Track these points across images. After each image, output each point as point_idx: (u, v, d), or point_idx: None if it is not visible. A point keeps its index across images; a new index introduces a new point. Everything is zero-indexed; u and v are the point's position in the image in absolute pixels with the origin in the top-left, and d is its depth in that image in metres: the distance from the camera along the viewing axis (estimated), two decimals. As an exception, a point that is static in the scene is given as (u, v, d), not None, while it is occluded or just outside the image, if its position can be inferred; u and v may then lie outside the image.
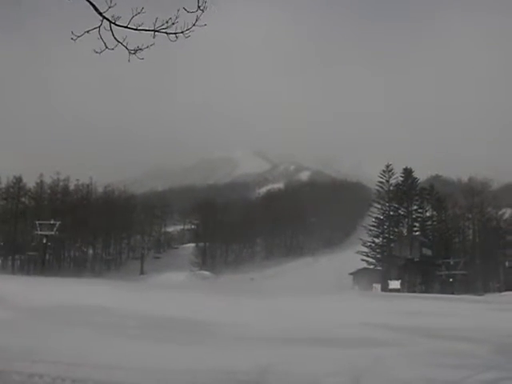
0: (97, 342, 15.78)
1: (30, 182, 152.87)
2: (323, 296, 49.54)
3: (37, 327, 18.74)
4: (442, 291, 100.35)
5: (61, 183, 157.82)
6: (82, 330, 18.29)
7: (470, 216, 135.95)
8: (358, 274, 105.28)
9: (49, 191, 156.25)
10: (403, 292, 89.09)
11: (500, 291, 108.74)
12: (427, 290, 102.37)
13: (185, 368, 12.37)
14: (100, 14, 7.47)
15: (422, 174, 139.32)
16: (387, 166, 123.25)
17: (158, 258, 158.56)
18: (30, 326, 18.90)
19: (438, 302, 45.81)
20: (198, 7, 7.42)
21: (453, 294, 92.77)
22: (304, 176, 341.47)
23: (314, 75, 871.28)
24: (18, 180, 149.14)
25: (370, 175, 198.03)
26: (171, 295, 39.62)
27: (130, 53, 7.73)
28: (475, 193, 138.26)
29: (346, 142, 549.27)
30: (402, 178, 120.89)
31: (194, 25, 7.52)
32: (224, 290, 58.23)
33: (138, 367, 12.16)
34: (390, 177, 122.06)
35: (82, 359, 12.61)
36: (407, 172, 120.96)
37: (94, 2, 7.51)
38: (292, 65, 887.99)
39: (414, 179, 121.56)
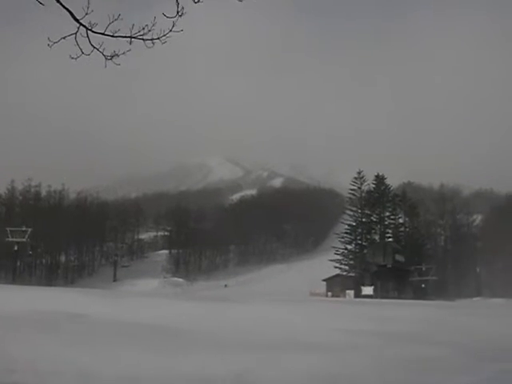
0: (72, 350, 15.70)
1: (1, 188, 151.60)
2: (296, 302, 49.62)
3: (10, 335, 18.56)
4: (415, 297, 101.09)
5: (32, 189, 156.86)
6: (57, 338, 18.17)
7: (441, 222, 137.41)
8: (331, 281, 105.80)
9: (20, 197, 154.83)
10: (376, 298, 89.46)
11: (471, 297, 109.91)
12: (400, 295, 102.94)
13: (160, 375, 12.38)
14: (77, 20, 7.54)
15: (394, 181, 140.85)
16: (359, 173, 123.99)
17: (126, 266, 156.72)
18: (5, 335, 18.72)
19: (410, 308, 46.08)
20: (177, 12, 7.50)
21: (425, 299, 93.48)
22: (277, 182, 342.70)
23: (286, 82, 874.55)
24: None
25: (343, 182, 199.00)
26: (144, 302, 39.41)
27: (106, 59, 7.82)
28: (446, 199, 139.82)
29: (318, 148, 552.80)
30: (373, 185, 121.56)
31: (170, 30, 7.63)
32: (197, 296, 58.11)
33: (113, 375, 12.13)
34: (361, 183, 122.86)
35: (57, 367, 12.54)
36: (379, 179, 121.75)
37: (71, 9, 7.56)
38: (264, 72, 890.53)
39: (386, 186, 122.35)
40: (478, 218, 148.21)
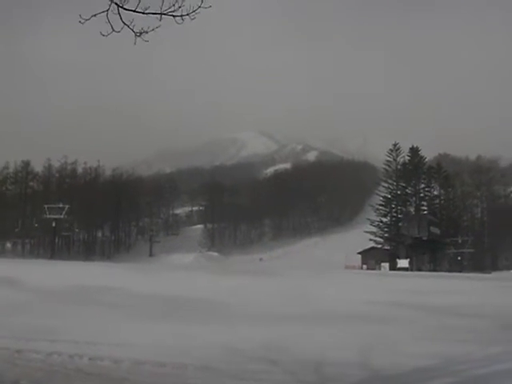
0: (112, 322, 16.12)
1: (38, 166, 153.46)
2: (331, 275, 49.83)
3: (53, 308, 19.10)
4: (451, 269, 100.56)
5: (69, 167, 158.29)
6: (97, 310, 18.65)
7: (478, 194, 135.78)
8: (366, 254, 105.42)
9: (57, 175, 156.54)
10: (411, 271, 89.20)
11: (508, 269, 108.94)
12: (435, 268, 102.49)
13: (196, 345, 12.68)
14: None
15: (429, 153, 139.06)
16: (394, 145, 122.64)
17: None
18: (46, 307, 19.26)
19: (446, 280, 46.02)
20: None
21: (461, 272, 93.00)
22: (311, 156, 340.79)
23: (317, 54, 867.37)
24: (26, 164, 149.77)
25: (378, 154, 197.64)
26: (181, 276, 40.00)
27: (136, 35, 7.91)
28: (483, 171, 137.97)
29: (353, 121, 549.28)
30: (408, 157, 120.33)
31: (199, 7, 7.69)
32: (233, 270, 58.57)
33: (152, 344, 12.47)
34: (397, 155, 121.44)
35: (99, 338, 12.93)
36: (414, 151, 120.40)
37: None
38: (296, 45, 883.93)
39: (421, 158, 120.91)
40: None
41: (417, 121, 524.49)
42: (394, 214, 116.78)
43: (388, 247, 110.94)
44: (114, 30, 7.75)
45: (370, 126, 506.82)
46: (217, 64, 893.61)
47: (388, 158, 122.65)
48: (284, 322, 17.46)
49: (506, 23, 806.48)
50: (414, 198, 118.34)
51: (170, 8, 7.71)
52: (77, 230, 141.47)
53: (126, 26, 7.76)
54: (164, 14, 7.72)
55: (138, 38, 7.94)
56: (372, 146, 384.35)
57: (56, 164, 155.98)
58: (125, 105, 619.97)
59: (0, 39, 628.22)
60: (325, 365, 10.98)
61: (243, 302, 23.74)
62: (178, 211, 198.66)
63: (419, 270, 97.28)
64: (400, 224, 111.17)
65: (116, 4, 7.61)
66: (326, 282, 38.92)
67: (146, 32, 7.85)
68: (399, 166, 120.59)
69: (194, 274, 43.94)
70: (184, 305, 22.13)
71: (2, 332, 13.39)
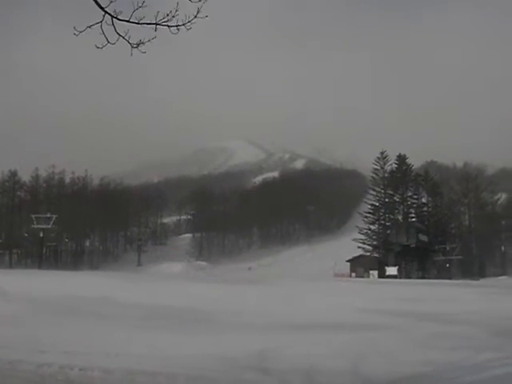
0: (102, 332, 16.02)
1: (25, 176, 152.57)
2: (320, 283, 49.80)
3: (42, 319, 18.97)
4: (439, 276, 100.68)
5: (56, 176, 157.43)
6: (87, 321, 18.55)
7: (465, 201, 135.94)
8: (354, 261, 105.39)
9: (44, 185, 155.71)
10: (400, 278, 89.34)
11: (496, 275, 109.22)
12: (424, 275, 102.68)
13: (188, 354, 12.60)
14: (102, 8, 7.58)
15: (417, 160, 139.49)
16: (382, 153, 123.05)
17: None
18: (35, 318, 19.13)
19: (435, 288, 46.08)
20: (201, -2, 7.52)
21: (449, 279, 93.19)
22: (299, 164, 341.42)
23: (305, 63, 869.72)
24: (13, 174, 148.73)
25: (366, 162, 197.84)
26: (170, 285, 39.82)
27: (132, 47, 7.82)
28: (470, 178, 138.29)
29: (340, 129, 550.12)
30: (396, 165, 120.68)
31: (195, 16, 7.60)
32: (222, 279, 58.46)
33: (143, 354, 12.40)
34: (384, 163, 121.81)
35: (89, 348, 12.84)
36: (401, 159, 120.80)
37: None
38: (282, 54, 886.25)
39: (408, 165, 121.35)
40: (502, 197, 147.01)
41: (404, 129, 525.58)
42: (382, 222, 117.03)
43: (377, 255, 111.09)
44: (109, 42, 7.64)
45: (358, 134, 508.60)
46: (205, 73, 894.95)
47: (375, 166, 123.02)
48: (275, 331, 17.42)
49: (494, 30, 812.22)
50: (401, 206, 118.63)
51: (164, 18, 7.63)
52: (66, 240, 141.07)
53: (120, 38, 7.66)
54: (159, 25, 7.62)
55: (134, 50, 7.86)
56: (360, 154, 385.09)
57: (43, 173, 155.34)
58: (112, 114, 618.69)
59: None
60: (317, 373, 10.95)
61: (233, 310, 23.69)
62: (166, 220, 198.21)
63: (408, 277, 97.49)
64: (388, 231, 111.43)
65: (110, 15, 7.53)
66: (316, 291, 38.88)
67: (143, 43, 7.76)
68: (387, 174, 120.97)
69: (182, 283, 43.77)
70: (173, 314, 22.05)
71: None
